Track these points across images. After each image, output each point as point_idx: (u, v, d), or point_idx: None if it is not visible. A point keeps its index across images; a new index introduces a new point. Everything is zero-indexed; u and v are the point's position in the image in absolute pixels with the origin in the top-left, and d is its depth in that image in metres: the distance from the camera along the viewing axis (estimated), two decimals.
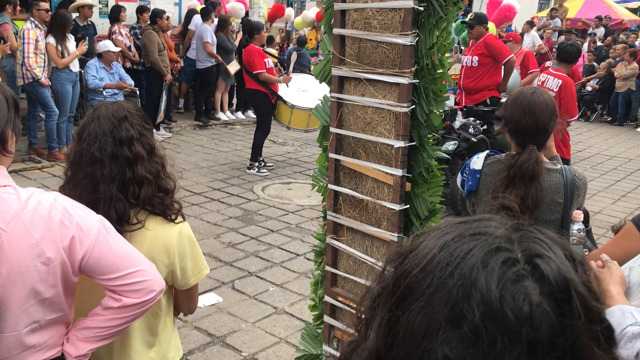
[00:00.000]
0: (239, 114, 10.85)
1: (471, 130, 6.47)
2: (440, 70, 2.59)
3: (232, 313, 4.02)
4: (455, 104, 7.44)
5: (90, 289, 1.68)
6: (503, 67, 7.04)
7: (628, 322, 1.37)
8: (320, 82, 3.07)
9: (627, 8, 21.51)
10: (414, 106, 2.63)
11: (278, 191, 6.98)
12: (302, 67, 10.20)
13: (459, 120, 6.62)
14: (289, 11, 14.09)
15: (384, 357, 0.65)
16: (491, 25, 9.84)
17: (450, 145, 6.43)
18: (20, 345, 1.43)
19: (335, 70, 2.81)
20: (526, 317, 0.58)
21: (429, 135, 2.74)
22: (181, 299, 1.89)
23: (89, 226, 1.46)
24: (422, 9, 2.47)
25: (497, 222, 0.67)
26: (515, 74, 9.18)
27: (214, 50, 9.62)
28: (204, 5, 10.19)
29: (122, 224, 1.63)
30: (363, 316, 0.71)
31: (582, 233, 2.51)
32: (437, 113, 2.68)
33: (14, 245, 1.36)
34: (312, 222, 5.93)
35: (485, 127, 6.74)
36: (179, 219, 1.77)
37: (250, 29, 7.82)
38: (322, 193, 3.22)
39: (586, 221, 2.53)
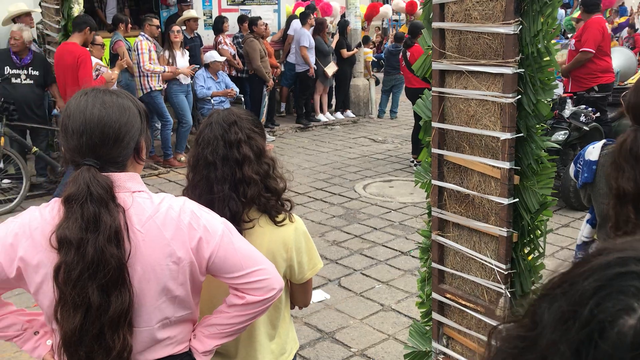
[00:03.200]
0: (338, 115, 10.97)
1: (583, 118, 6.13)
2: (547, 58, 2.49)
3: (340, 310, 4.09)
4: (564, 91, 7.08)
5: (216, 287, 1.79)
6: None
7: None
8: (421, 77, 3.05)
9: None
10: (519, 96, 2.55)
11: (379, 189, 6.99)
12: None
13: (569, 109, 6.29)
14: (385, 8, 14.04)
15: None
16: None
17: (560, 135, 6.13)
18: (153, 340, 1.56)
19: (436, 65, 2.78)
20: (599, 320, 0.57)
21: (538, 126, 2.65)
22: (297, 292, 1.97)
23: (215, 228, 1.56)
24: None
25: None
26: (631, 55, 8.56)
27: (313, 53, 9.80)
28: (302, 10, 10.42)
29: (237, 222, 1.72)
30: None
31: None
32: (546, 102, 2.58)
33: (148, 245, 1.49)
34: (415, 219, 5.89)
35: (598, 114, 6.36)
36: (282, 217, 1.83)
37: (414, 29, 7.97)
38: (426, 189, 3.19)
39: None
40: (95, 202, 1.42)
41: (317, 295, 4.27)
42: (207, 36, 9.73)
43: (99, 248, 1.40)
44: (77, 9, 6.54)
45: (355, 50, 10.74)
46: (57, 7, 6.69)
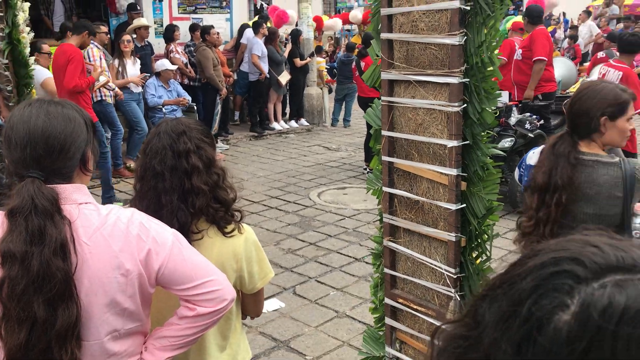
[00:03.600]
0: (293, 123, 11.01)
1: (527, 126, 6.34)
2: (491, 68, 2.58)
3: (295, 318, 4.10)
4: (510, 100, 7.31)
5: (165, 299, 1.78)
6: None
7: None
8: (371, 86, 3.11)
9: None
10: (465, 105, 2.63)
11: (334, 197, 7.04)
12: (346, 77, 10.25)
13: (514, 117, 6.50)
14: (334, 21, 14.20)
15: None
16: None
17: (506, 142, 6.32)
18: (104, 353, 1.53)
19: (385, 74, 2.84)
20: (535, 319, 0.60)
21: (483, 133, 2.74)
22: (249, 302, 1.97)
23: (164, 239, 1.55)
24: (468, 8, 2.48)
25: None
26: (572, 66, 8.92)
27: (266, 62, 9.81)
28: (255, 19, 10.43)
29: (186, 233, 1.72)
30: None
31: None
32: (490, 111, 2.67)
33: (95, 257, 1.47)
34: (368, 225, 5.95)
35: (542, 122, 6.59)
36: (232, 228, 1.82)
37: (368, 39, 8.05)
38: (378, 196, 3.25)
39: None
40: (40, 215, 1.39)
41: (272, 304, 4.27)
42: (158, 44, 9.62)
43: (44, 261, 1.37)
44: (22, 16, 6.36)
45: (308, 59, 10.81)
46: (1, 14, 6.49)
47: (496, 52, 2.57)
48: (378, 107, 3.01)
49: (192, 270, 1.56)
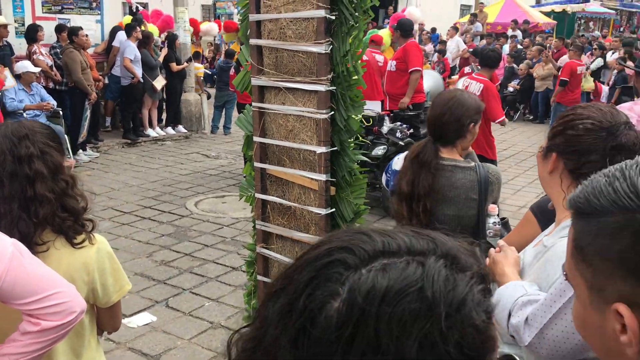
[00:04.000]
0: (169, 130, 10.68)
1: (398, 134, 6.64)
2: (355, 77, 2.66)
3: (167, 331, 3.95)
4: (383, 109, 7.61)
5: (6, 313, 1.62)
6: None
7: (519, 293, 1.48)
8: (242, 92, 3.09)
9: (541, 12, 22.65)
10: (333, 112, 2.69)
11: (212, 205, 6.91)
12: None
13: (386, 126, 6.78)
14: (210, 25, 14.01)
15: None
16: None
17: (379, 150, 6.57)
18: None
19: (255, 80, 2.84)
20: (310, 310, 0.60)
21: (350, 140, 2.81)
22: (104, 316, 1.85)
23: (2, 251, 1.42)
24: (333, 17, 2.54)
25: (415, 237, 0.68)
26: (439, 78, 9.49)
27: (139, 66, 9.45)
28: (129, 22, 10.01)
29: (29, 245, 1.58)
30: None
31: (497, 226, 2.63)
32: (355, 118, 2.74)
33: None
34: (247, 234, 5.90)
35: (412, 130, 6.93)
36: (82, 238, 1.70)
37: None
38: (251, 203, 3.23)
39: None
40: None
41: (142, 318, 4.09)
42: (20, 45, 8.92)
43: None
44: None
45: (186, 64, 10.56)
46: None
47: (359, 62, 2.65)
48: (249, 113, 2.99)
49: (35, 283, 1.44)
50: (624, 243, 0.69)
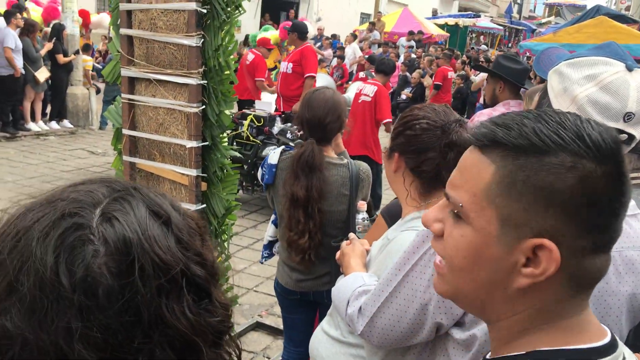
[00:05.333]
0: (53, 124, 10.11)
1: (289, 135, 6.69)
2: (227, 72, 2.66)
3: None
4: (276, 110, 7.65)
5: None
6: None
7: (357, 284, 1.54)
8: (111, 83, 2.99)
9: (435, 24, 23.76)
10: (204, 106, 2.67)
11: None
12: None
13: (277, 126, 6.82)
14: (102, 17, 13.45)
15: None
16: None
17: (270, 151, 6.59)
18: None
19: (125, 71, 2.76)
20: (79, 282, 0.58)
21: (222, 135, 2.80)
22: None
23: None
24: (205, 11, 2.53)
25: (104, 186, 0.68)
26: (331, 81, 9.68)
27: (20, 56, 8.88)
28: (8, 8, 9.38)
29: None
30: None
31: (366, 222, 2.72)
32: (227, 113, 2.74)
33: None
34: None
35: (302, 132, 7.00)
36: None
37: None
38: None
39: (370, 211, 2.75)
40: None
41: None
42: None
43: None
44: None
45: (73, 56, 10.05)
46: None
47: (232, 57, 2.65)
48: (119, 104, 2.91)
49: None
50: (568, 183, 0.72)
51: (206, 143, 2.71)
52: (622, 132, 1.31)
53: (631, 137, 1.32)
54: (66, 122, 10.26)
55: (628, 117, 1.30)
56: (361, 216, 2.74)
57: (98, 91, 11.26)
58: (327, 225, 2.64)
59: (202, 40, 2.56)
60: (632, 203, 1.39)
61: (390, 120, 6.36)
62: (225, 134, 2.78)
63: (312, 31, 12.96)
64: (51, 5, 11.24)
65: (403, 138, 1.66)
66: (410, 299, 1.32)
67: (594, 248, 0.75)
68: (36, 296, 0.58)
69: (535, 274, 0.75)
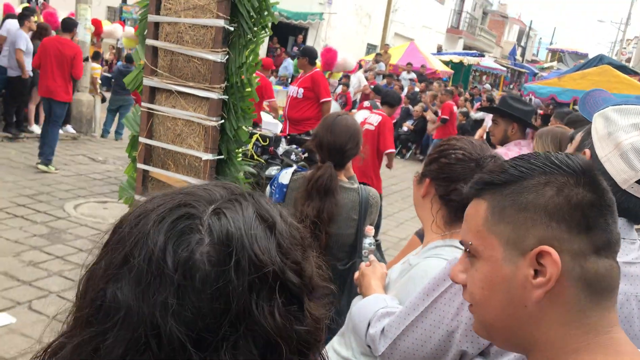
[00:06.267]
0: None
1: (293, 157, 6.74)
2: (249, 89, 2.71)
3: (26, 334, 3.71)
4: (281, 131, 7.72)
5: None
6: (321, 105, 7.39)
7: (380, 305, 1.56)
8: (132, 90, 3.03)
9: (440, 60, 24.08)
10: (223, 121, 2.71)
11: (92, 210, 6.61)
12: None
13: (282, 147, 6.87)
14: (114, 27, 13.58)
15: (81, 307, 0.71)
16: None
17: (273, 170, 6.63)
18: None
19: (147, 81, 2.80)
20: (181, 264, 0.65)
21: (238, 150, 2.84)
22: None
23: None
24: (232, 29, 2.59)
25: (220, 188, 0.75)
26: (337, 106, 9.78)
27: (30, 58, 8.94)
28: (20, 11, 9.47)
29: None
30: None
31: (372, 247, 2.75)
32: (245, 129, 2.78)
33: None
34: None
35: (306, 154, 7.06)
36: None
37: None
38: (130, 204, 3.15)
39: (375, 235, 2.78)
40: None
41: (0, 319, 3.81)
42: None
43: None
44: None
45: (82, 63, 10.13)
46: None
47: (254, 75, 2.70)
48: (138, 112, 2.95)
49: None
50: (547, 195, 0.83)
51: (222, 157, 2.75)
52: None
53: None
54: (69, 127, 10.29)
55: None
56: (368, 241, 2.76)
57: (103, 100, 11.32)
58: (334, 247, 2.66)
59: (227, 56, 2.62)
60: None
61: (393, 151, 6.41)
62: (240, 149, 2.82)
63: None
64: (48, 12, 11.37)
65: (437, 165, 1.70)
66: (436, 324, 1.35)
67: (594, 250, 0.83)
68: (143, 270, 0.65)
69: (544, 282, 0.82)
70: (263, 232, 0.70)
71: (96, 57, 11.07)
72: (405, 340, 1.41)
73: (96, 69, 10.95)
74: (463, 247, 0.94)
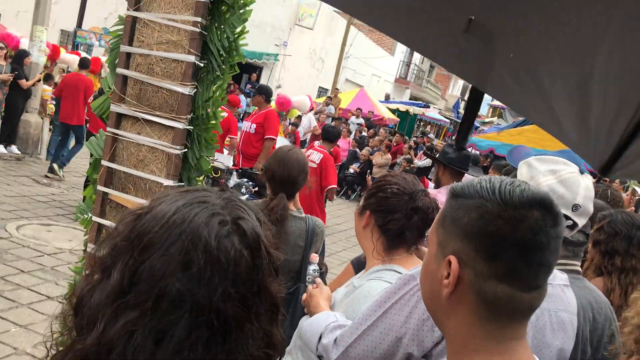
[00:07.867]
0: (0, 148, 9.91)
1: (243, 190, 6.88)
2: (214, 122, 2.89)
3: None
4: (234, 164, 7.85)
5: None
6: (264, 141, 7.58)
7: (331, 319, 1.75)
8: (98, 116, 3.15)
9: (387, 108, 24.89)
10: (186, 150, 2.87)
11: (35, 232, 6.51)
12: None
13: (233, 180, 7.01)
14: (75, 58, 13.49)
15: (126, 293, 0.85)
16: None
17: None
18: None
19: (114, 107, 2.94)
20: (232, 259, 0.87)
21: (198, 178, 2.99)
22: None
23: None
24: (202, 65, 2.77)
25: (214, 193, 0.95)
26: (287, 143, 10.02)
27: None
28: None
29: None
30: (102, 261, 0.90)
31: (316, 273, 2.92)
32: (207, 159, 2.95)
33: None
34: (70, 265, 5.64)
35: (257, 188, 7.22)
36: None
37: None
38: (86, 226, 3.22)
39: (321, 264, 2.96)
40: None
41: None
42: None
43: None
44: None
45: (37, 79, 10.03)
46: None
47: (219, 109, 2.89)
48: (102, 137, 3.06)
49: None
50: (472, 216, 0.98)
51: (182, 184, 2.89)
52: (568, 218, 1.68)
53: (575, 224, 1.68)
54: (14, 148, 10.08)
55: (575, 207, 1.68)
56: (312, 267, 2.94)
57: (51, 122, 11.16)
58: (279, 273, 2.82)
59: (195, 90, 2.79)
60: (564, 276, 1.70)
61: (335, 186, 6.64)
62: (201, 178, 2.97)
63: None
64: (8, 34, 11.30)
65: (375, 199, 1.92)
66: (386, 332, 1.54)
67: (494, 276, 0.95)
68: (206, 269, 0.85)
69: (447, 284, 0.99)
70: (262, 230, 0.95)
71: (47, 79, 10.97)
72: (357, 347, 1.59)
73: (47, 91, 10.84)
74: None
